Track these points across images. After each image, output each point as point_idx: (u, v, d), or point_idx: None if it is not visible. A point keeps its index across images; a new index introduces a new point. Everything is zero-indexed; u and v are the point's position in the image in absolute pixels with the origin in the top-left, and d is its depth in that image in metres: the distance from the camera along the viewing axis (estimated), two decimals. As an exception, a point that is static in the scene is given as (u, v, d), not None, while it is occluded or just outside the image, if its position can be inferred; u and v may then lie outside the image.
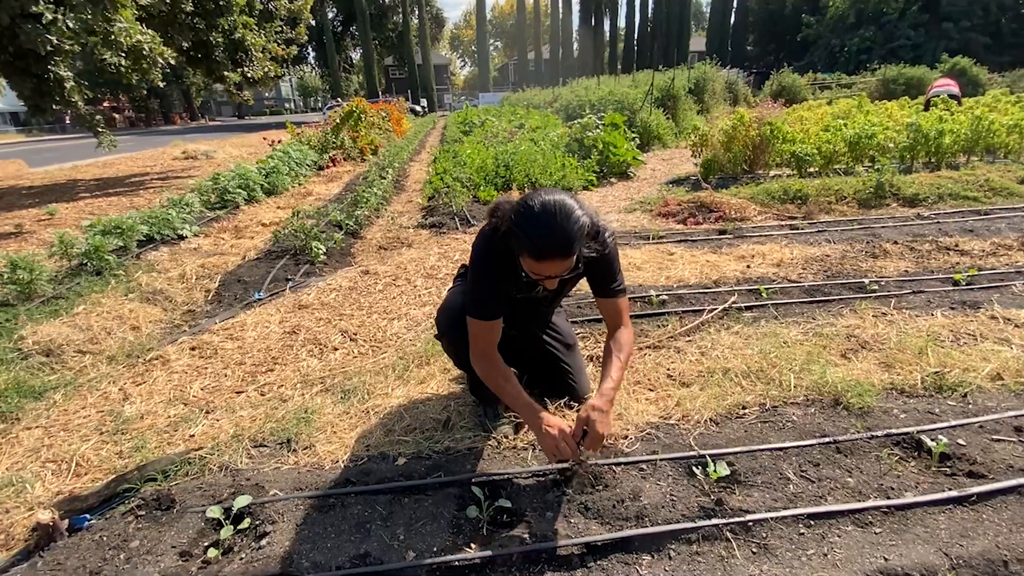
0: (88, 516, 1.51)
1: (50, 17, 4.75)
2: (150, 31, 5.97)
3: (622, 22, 47.12)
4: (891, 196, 5.58)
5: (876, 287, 3.14)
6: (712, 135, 7.50)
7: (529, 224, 1.35)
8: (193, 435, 1.98)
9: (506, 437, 1.83)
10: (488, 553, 1.31)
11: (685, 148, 8.98)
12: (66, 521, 1.47)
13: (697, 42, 48.77)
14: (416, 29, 41.47)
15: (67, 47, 4.99)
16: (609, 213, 5.65)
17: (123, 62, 5.81)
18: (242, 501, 1.47)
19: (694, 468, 1.59)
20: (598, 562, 1.31)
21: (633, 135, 9.68)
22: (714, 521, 1.38)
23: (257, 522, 1.46)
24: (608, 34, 46.75)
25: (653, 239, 4.41)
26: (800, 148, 6.89)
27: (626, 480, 1.57)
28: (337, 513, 1.49)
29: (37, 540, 1.41)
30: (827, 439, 1.72)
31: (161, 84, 7.20)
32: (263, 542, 1.39)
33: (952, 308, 2.81)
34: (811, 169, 6.99)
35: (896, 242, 4.08)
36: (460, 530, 1.42)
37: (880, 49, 32.73)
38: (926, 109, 9.65)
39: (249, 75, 9.22)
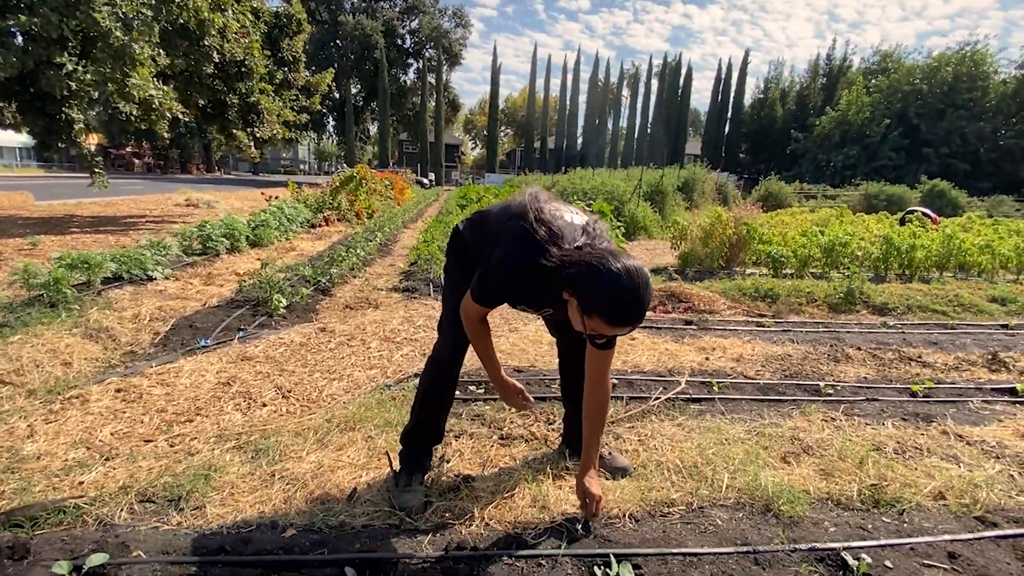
0: (-76, 564, 1.37)
1: (71, 67, 5.12)
2: (164, 87, 6.42)
3: (624, 122, 50.66)
4: (861, 303, 5.68)
5: (831, 391, 3.11)
6: (691, 230, 7.79)
7: (613, 290, 1.33)
8: (83, 482, 1.85)
9: (409, 517, 1.70)
10: (343, 647, 1.18)
11: (669, 241, 9.28)
12: None
13: (693, 146, 52.19)
14: (432, 111, 44.41)
15: (83, 93, 5.33)
16: (584, 294, 5.70)
17: (134, 112, 6.18)
18: (96, 559, 1.34)
19: (596, 568, 1.47)
20: (464, 669, 1.17)
21: (619, 224, 10.04)
22: (601, 631, 1.25)
23: (105, 587, 1.32)
24: (611, 131, 50.07)
25: (620, 323, 4.42)
26: (776, 249, 7.12)
27: (522, 573, 1.44)
28: (196, 585, 1.35)
29: None
30: (746, 548, 1.61)
31: (166, 136, 7.57)
32: (101, 612, 1.25)
33: (904, 419, 2.76)
34: (786, 271, 7.19)
35: (860, 348, 4.09)
36: (325, 617, 1.28)
37: (863, 167, 34.97)
38: (901, 224, 10.12)
39: (258, 135, 9.74)
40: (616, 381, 3.01)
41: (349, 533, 1.62)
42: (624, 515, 1.79)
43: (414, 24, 48.44)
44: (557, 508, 1.79)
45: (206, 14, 6.51)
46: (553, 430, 2.38)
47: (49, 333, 3.00)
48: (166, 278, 4.65)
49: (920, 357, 3.96)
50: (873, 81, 42.45)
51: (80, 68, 5.26)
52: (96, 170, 6.98)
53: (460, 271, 1.84)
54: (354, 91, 46.01)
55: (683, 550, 1.58)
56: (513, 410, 2.51)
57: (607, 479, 1.98)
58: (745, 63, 50.81)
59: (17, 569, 1.34)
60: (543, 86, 51.16)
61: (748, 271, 7.37)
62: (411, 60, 49.15)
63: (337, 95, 43.02)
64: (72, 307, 3.54)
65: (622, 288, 1.33)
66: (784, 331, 4.52)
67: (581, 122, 50.84)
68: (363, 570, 1.40)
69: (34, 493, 1.74)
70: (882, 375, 3.55)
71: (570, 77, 49.86)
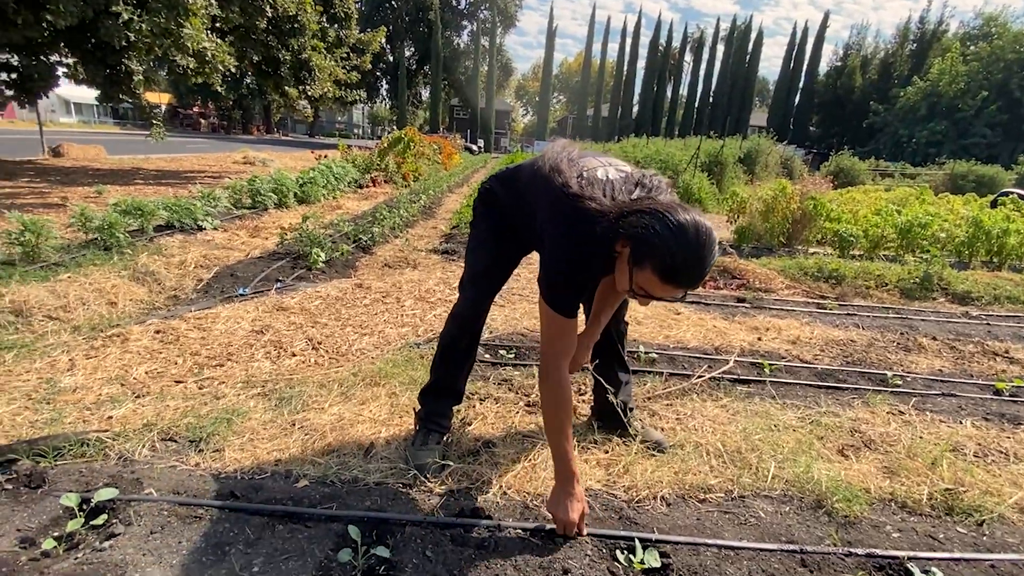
0: (-47, 483, 1.40)
1: (127, 17, 5.23)
2: (216, 39, 6.49)
3: (684, 90, 47.97)
4: (939, 290, 5.14)
5: (900, 382, 2.79)
6: (751, 203, 7.26)
7: (677, 244, 1.16)
8: (111, 417, 1.88)
9: (426, 478, 1.62)
10: (339, 609, 1.10)
11: (725, 215, 8.75)
12: (-72, 483, 1.37)
13: (759, 117, 48.97)
14: (484, 76, 43.61)
15: (141, 45, 5.47)
16: (629, 265, 5.45)
17: (190, 65, 6.30)
18: (104, 494, 1.32)
19: (618, 552, 1.34)
20: (464, 646, 1.07)
21: (672, 195, 9.55)
22: (617, 622, 1.12)
23: (114, 520, 1.31)
24: (669, 99, 47.67)
25: (665, 296, 4.18)
26: (845, 228, 6.55)
27: (536, 550, 1.33)
28: (201, 527, 1.32)
29: None
30: (793, 547, 1.43)
31: (220, 90, 7.72)
32: (107, 544, 1.24)
33: (986, 419, 2.44)
34: (855, 251, 6.62)
35: (935, 338, 3.68)
36: (326, 574, 1.22)
37: (951, 144, 31.79)
38: (993, 207, 9.10)
39: (309, 92, 9.80)
40: (656, 356, 2.82)
41: (361, 489, 1.55)
42: (656, 497, 1.64)
43: (470, -16, 47.24)
44: (582, 482, 1.66)
45: (258, -35, 6.51)
46: (583, 401, 2.23)
47: (98, 274, 3.10)
48: (214, 228, 4.76)
49: (1007, 352, 3.52)
50: (972, 48, 37.99)
51: (136, 18, 5.38)
52: (155, 122, 7.24)
53: (486, 224, 1.71)
54: (408, 54, 45.77)
55: (719, 541, 1.42)
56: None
57: (639, 455, 1.83)
58: (823, 27, 46.56)
59: (31, 497, 1.35)
60: (600, 51, 49.09)
61: (811, 250, 6.83)
62: (465, 22, 48.13)
63: (391, 58, 42.95)
64: (124, 251, 3.66)
65: (687, 242, 1.16)
66: (848, 315, 4.13)
67: (638, 89, 48.54)
68: (369, 529, 1.33)
69: (64, 424, 1.78)
70: (961, 369, 3.17)
71: (629, 41, 47.39)
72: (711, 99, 46.95)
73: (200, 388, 2.15)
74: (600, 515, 1.52)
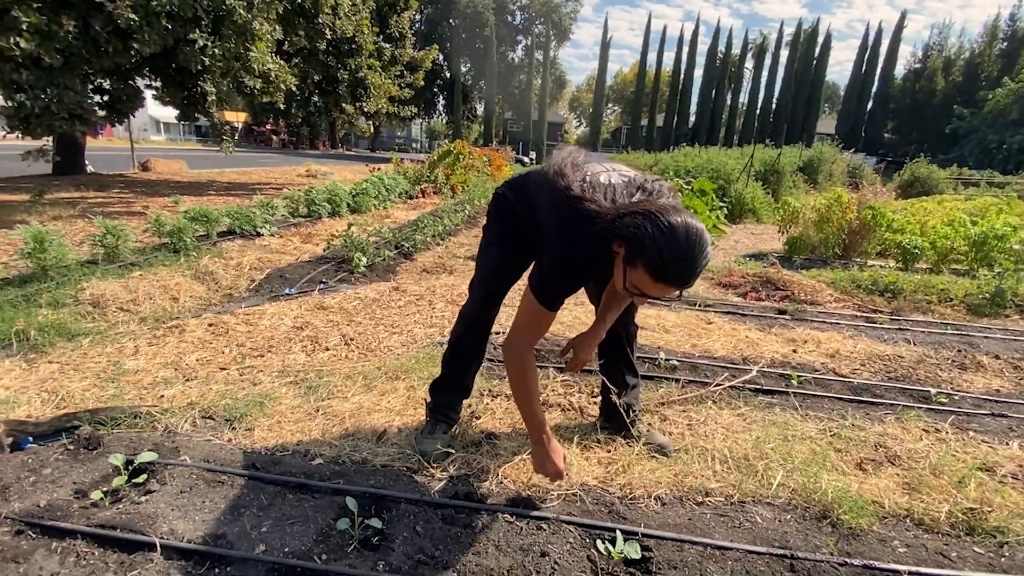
0: (31, 439, 1.65)
1: (202, 43, 5.84)
2: (280, 62, 7.09)
3: (745, 97, 46.32)
4: (1013, 307, 4.72)
5: (944, 400, 2.62)
6: (804, 212, 6.96)
7: (666, 244, 1.21)
8: (163, 396, 2.12)
9: (430, 464, 1.73)
10: (330, 568, 1.22)
11: (777, 224, 8.42)
12: (12, 438, 1.62)
13: (827, 124, 46.45)
14: (538, 89, 44.11)
15: (214, 68, 6.09)
16: (667, 275, 5.38)
17: (257, 85, 6.91)
18: (145, 457, 1.52)
19: (600, 541, 1.38)
20: (438, 612, 1.16)
21: (722, 205, 9.28)
22: (585, 603, 1.17)
23: (152, 480, 1.50)
24: (728, 107, 46.19)
25: (699, 306, 4.11)
26: (909, 239, 6.14)
27: (520, 533, 1.40)
28: (223, 491, 1.49)
29: (-20, 450, 1.57)
30: (783, 552, 1.41)
31: (282, 107, 8.31)
32: (144, 498, 1.42)
33: (1039, 442, 2.25)
34: (920, 264, 6.18)
35: (998, 357, 3.41)
36: (324, 539, 1.34)
37: (1050, 151, 28.80)
38: (1090, 219, 8.19)
39: (365, 109, 10.38)
40: (677, 363, 2.80)
41: (368, 469, 1.68)
42: (651, 496, 1.66)
43: (525, 0, 48.09)
44: (576, 476, 1.70)
45: (319, -9, 7.07)
46: (593, 402, 2.27)
47: (165, 273, 3.47)
48: (271, 235, 5.15)
49: (1084, 375, 3.20)
50: (1075, 45, 34.38)
51: (210, 44, 6.00)
52: (224, 138, 7.93)
53: (498, 228, 1.81)
54: (463, 70, 47.12)
55: (705, 540, 1.42)
56: (561, 375, 2.45)
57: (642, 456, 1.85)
58: (900, 27, 43.66)
59: (87, 456, 1.57)
60: (655, 59, 48.35)
61: (871, 262, 6.45)
62: (520, 37, 49.02)
63: (447, 75, 44.39)
64: (190, 253, 4.06)
65: (676, 242, 1.21)
66: (899, 329, 3.90)
67: (695, 98, 47.41)
68: (368, 504, 1.44)
69: (123, 399, 2.03)
70: (1022, 390, 2.92)
71: (686, 49, 46.44)
72: (774, 106, 45.10)
73: (241, 375, 2.37)
74: (590, 508, 1.56)
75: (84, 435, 1.66)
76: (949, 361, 3.31)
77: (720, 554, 1.40)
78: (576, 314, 3.62)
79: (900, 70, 45.24)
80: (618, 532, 1.39)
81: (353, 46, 9.28)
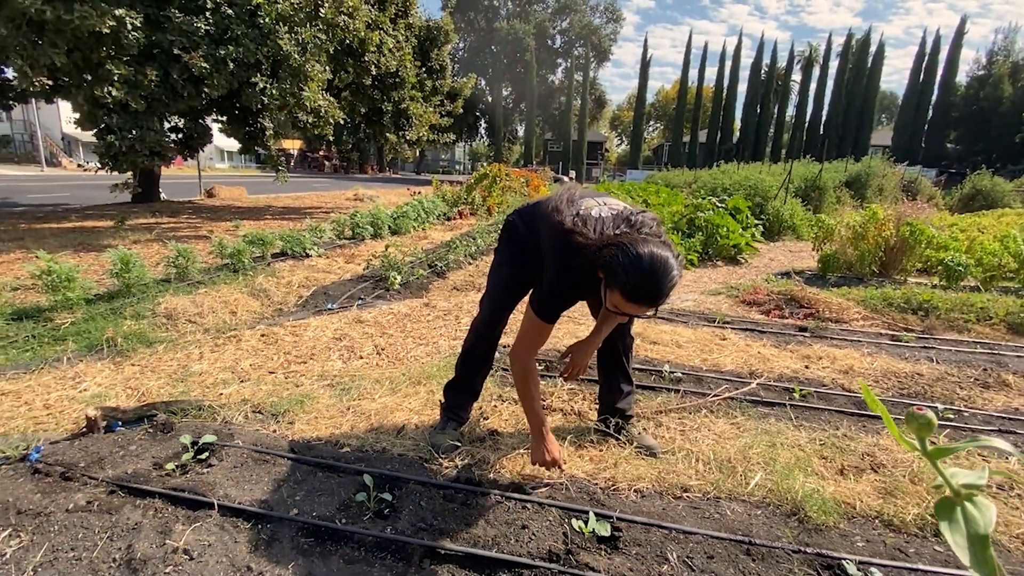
0: (120, 424, 2.04)
1: (262, 85, 6.57)
2: (330, 99, 7.79)
3: (792, 111, 45.16)
4: (1059, 326, 4.53)
5: (952, 416, 2.65)
6: (839, 229, 6.86)
7: (632, 271, 1.44)
8: (222, 393, 2.50)
9: (437, 454, 1.99)
10: (347, 528, 1.50)
11: (812, 241, 8.29)
12: (106, 422, 2.01)
13: (883, 136, 44.43)
14: (578, 109, 44.72)
15: (272, 106, 6.81)
16: (691, 294, 5.48)
17: (309, 120, 7.62)
18: (208, 438, 1.86)
19: (575, 520, 1.59)
20: (432, 567, 1.41)
21: (758, 223, 9.22)
22: (552, 566, 1.39)
23: (212, 458, 1.84)
24: (775, 122, 45.08)
25: (717, 322, 4.21)
26: (953, 256, 5.97)
27: (508, 511, 1.63)
28: (266, 468, 1.80)
29: (84, 429, 1.96)
30: (742, 538, 1.58)
31: (333, 137, 9.04)
32: (205, 471, 1.76)
33: (1043, 458, 2.27)
34: (967, 282, 5.97)
35: (1027, 376, 3.35)
36: (345, 508, 1.63)
37: None
38: None
39: (408, 137, 11.06)
40: (682, 376, 2.95)
41: (386, 456, 1.96)
42: (632, 489, 1.85)
43: (565, 24, 49.18)
44: (567, 470, 1.92)
45: (363, 33, 7.70)
46: (592, 408, 2.47)
47: (225, 290, 3.95)
48: (318, 256, 5.64)
49: (1121, 396, 3.10)
50: None
51: (268, 86, 6.72)
52: (279, 168, 8.71)
53: (507, 249, 2.05)
54: (504, 93, 48.47)
55: (672, 525, 1.61)
56: (565, 383, 2.67)
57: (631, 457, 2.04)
58: (960, 33, 41.53)
59: (163, 437, 1.94)
60: (696, 76, 48.04)
61: (911, 280, 6.29)
62: (560, 60, 50.06)
63: (489, 99, 45.80)
64: (248, 273, 4.56)
65: (641, 269, 1.44)
66: (924, 347, 3.86)
67: (739, 113, 46.71)
68: (383, 483, 1.72)
69: (190, 395, 2.42)
70: (1044, 409, 2.88)
71: (728, 64, 46.02)
72: (823, 119, 43.72)
73: (286, 378, 2.73)
74: (574, 495, 1.77)
75: (160, 422, 2.03)
76: (971, 379, 3.29)
77: (684, 537, 1.58)
78: (568, 328, 3.82)
79: (962, 77, 42.94)
80: (591, 513, 1.60)
81: (396, 80, 10.00)
